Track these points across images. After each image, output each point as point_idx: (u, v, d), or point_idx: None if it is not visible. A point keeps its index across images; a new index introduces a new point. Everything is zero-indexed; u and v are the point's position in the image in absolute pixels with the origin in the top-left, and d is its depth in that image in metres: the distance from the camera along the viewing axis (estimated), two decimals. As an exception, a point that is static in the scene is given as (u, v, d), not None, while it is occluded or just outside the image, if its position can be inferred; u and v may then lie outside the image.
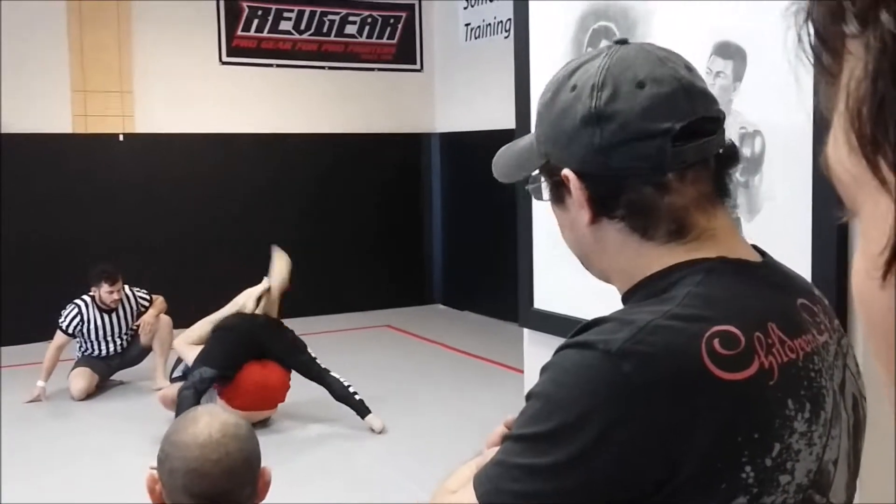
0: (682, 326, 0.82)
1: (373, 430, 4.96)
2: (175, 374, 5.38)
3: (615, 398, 0.80)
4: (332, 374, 5.07)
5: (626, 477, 0.81)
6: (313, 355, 5.16)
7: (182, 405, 4.64)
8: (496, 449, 0.93)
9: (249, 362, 5.00)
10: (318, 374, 5.10)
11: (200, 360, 4.99)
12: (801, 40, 0.42)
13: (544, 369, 0.87)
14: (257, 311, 5.21)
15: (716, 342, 0.81)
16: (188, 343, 5.28)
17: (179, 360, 5.41)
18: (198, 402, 4.74)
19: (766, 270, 0.93)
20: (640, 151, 0.87)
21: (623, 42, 0.93)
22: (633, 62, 0.89)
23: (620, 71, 0.88)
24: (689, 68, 0.92)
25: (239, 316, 5.19)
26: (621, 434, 0.80)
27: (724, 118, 0.92)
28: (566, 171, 0.91)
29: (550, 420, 0.82)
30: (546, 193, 0.97)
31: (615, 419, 0.80)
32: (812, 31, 0.41)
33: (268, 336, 5.12)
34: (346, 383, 5.04)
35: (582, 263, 1.01)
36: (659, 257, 0.90)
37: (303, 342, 5.24)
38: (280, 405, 5.19)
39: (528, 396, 0.87)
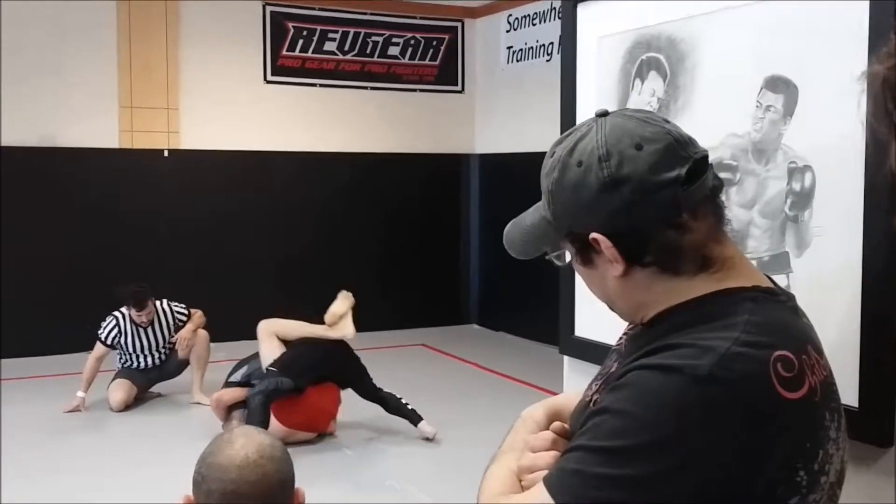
0: (754, 353, 0.91)
1: (427, 439, 5.11)
2: (232, 379, 5.32)
3: (704, 421, 0.87)
4: (386, 390, 5.26)
5: (707, 494, 0.87)
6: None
7: (254, 413, 4.68)
8: (545, 454, 1.02)
9: (312, 384, 5.07)
10: (378, 394, 5.25)
11: (281, 368, 5.00)
12: (878, 101, 0.41)
13: (618, 388, 0.94)
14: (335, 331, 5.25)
15: (779, 366, 0.91)
16: (271, 332, 5.26)
17: (239, 366, 5.38)
18: (268, 411, 4.79)
19: (784, 296, 1.03)
20: (657, 202, 0.98)
21: (604, 114, 1.04)
22: (623, 129, 1.00)
23: (617, 139, 0.99)
24: (667, 121, 1.04)
25: (320, 338, 5.25)
26: (703, 456, 0.87)
27: (708, 155, 1.02)
28: (595, 235, 1.00)
29: (637, 437, 0.89)
30: (569, 257, 1.09)
31: (699, 442, 0.87)
32: (889, 93, 0.41)
33: (341, 360, 5.21)
34: (398, 396, 5.22)
35: (609, 307, 1.11)
36: (689, 288, 1.00)
37: (363, 364, 5.35)
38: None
39: (602, 411, 0.94)
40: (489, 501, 1.04)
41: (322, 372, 5.09)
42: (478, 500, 1.06)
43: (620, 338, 1.17)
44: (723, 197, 1.03)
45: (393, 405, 5.19)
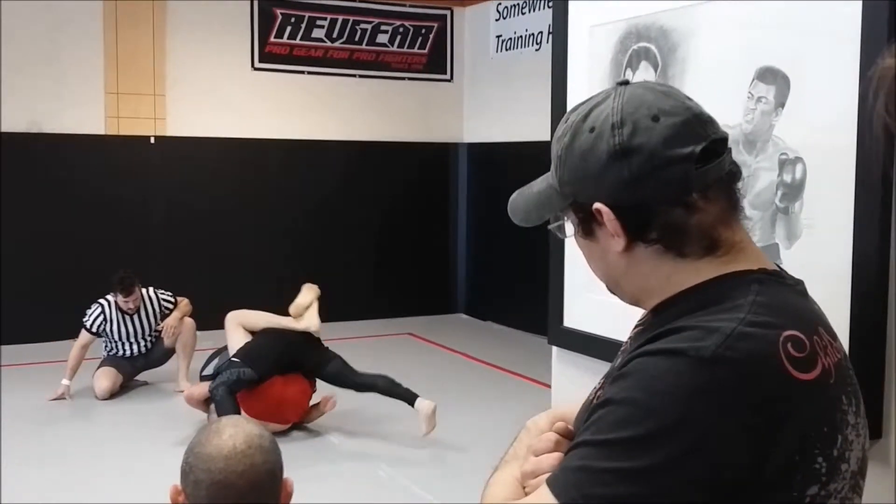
0: (762, 333, 0.88)
1: (426, 412, 4.90)
2: (205, 373, 5.36)
3: (709, 404, 0.84)
4: (371, 372, 5.14)
5: (716, 478, 0.84)
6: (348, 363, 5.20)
7: (222, 405, 4.67)
8: (548, 456, 0.97)
9: (276, 374, 5.03)
10: (357, 379, 5.13)
11: (242, 357, 5.00)
12: (885, 101, 0.40)
13: (622, 377, 0.90)
14: (303, 323, 5.20)
15: (789, 345, 0.88)
16: (238, 323, 5.27)
17: (210, 359, 5.39)
18: (235, 400, 4.77)
19: (792, 281, 1.01)
20: (666, 178, 0.94)
21: (624, 83, 1.00)
22: (642, 99, 0.97)
23: (634, 108, 0.96)
24: (689, 98, 0.99)
25: (285, 329, 5.20)
26: (714, 439, 0.84)
27: (727, 138, 0.99)
28: (598, 206, 0.97)
29: (643, 425, 0.85)
30: (570, 230, 1.05)
31: (708, 425, 0.84)
32: None
33: (306, 350, 5.14)
34: (389, 377, 5.08)
35: (610, 289, 1.06)
36: (696, 272, 0.96)
37: (332, 351, 5.26)
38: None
39: (606, 403, 0.90)
40: None
41: (284, 362, 5.05)
42: None
43: (627, 339, 1.12)
44: (740, 185, 1.00)
45: (384, 386, 5.06)
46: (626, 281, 1.02)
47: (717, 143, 0.96)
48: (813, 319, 0.95)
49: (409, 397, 4.97)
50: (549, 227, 1.08)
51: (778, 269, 1.01)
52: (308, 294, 5.28)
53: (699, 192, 0.95)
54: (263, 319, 5.27)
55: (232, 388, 4.82)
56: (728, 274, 0.95)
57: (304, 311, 5.21)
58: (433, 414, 4.89)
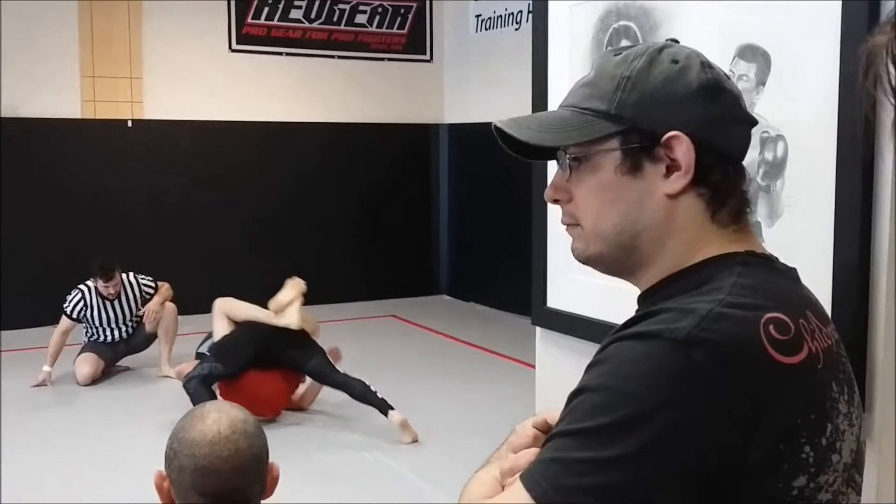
0: (741, 314, 0.84)
1: (400, 427, 4.74)
2: (200, 350, 5.30)
3: (687, 386, 0.80)
4: (350, 375, 5.00)
5: (697, 464, 0.80)
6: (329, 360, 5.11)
7: (196, 397, 4.66)
8: (526, 452, 0.92)
9: (254, 368, 5.00)
10: (334, 379, 5.03)
11: (215, 352, 5.01)
12: (879, 73, 0.40)
13: (596, 363, 0.86)
14: (286, 318, 5.14)
15: (771, 328, 0.84)
16: (223, 312, 5.22)
17: (207, 338, 5.35)
18: (210, 392, 4.76)
19: (782, 266, 0.97)
20: (740, 132, 0.94)
21: (676, 41, 0.97)
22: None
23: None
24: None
25: (264, 324, 5.13)
26: (693, 423, 0.80)
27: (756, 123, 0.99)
28: (675, 133, 0.89)
29: (615, 412, 0.81)
30: (614, 166, 0.92)
31: (687, 409, 0.80)
32: (892, 65, 0.40)
33: (284, 346, 5.06)
34: (366, 383, 4.92)
35: (618, 247, 0.95)
36: (708, 243, 0.93)
37: (316, 349, 5.15)
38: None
39: (580, 391, 0.86)
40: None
41: (261, 357, 4.99)
42: None
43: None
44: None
45: (359, 391, 4.92)
46: (649, 234, 0.93)
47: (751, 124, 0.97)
48: (801, 302, 0.91)
49: (383, 408, 4.83)
50: (567, 155, 0.95)
51: (769, 255, 0.97)
52: (290, 291, 5.19)
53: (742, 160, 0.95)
54: (246, 312, 5.21)
55: (203, 382, 4.81)
56: (715, 257, 0.92)
57: (285, 307, 5.11)
58: (407, 423, 4.77)
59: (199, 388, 4.74)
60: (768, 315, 0.84)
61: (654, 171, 0.91)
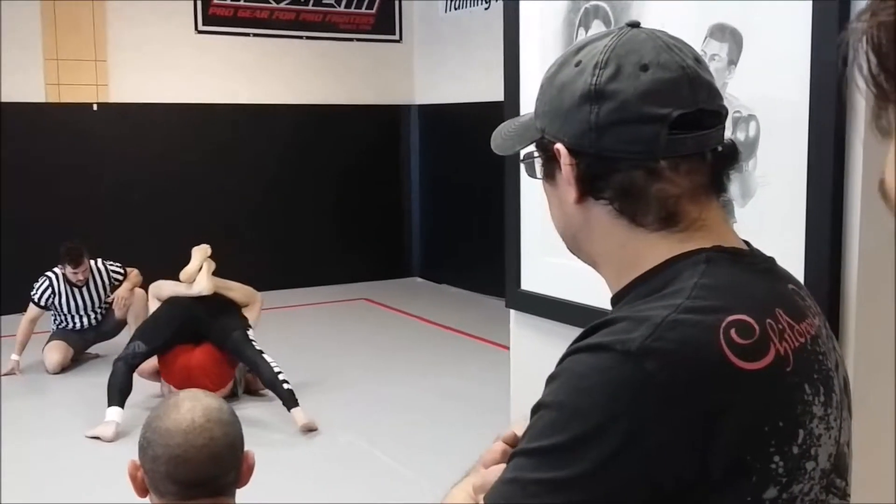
0: (698, 319, 0.80)
1: (301, 429, 4.57)
2: None
3: (640, 400, 0.77)
4: (266, 357, 4.83)
5: (656, 479, 0.77)
6: (251, 336, 4.98)
7: (115, 376, 4.71)
8: (496, 468, 0.89)
9: (183, 343, 5.00)
10: (248, 356, 4.90)
11: (138, 333, 5.05)
12: (859, 62, 0.39)
13: (553, 378, 0.84)
14: (201, 284, 5.09)
15: (732, 332, 0.80)
16: (153, 295, 5.32)
17: None
18: (131, 375, 4.78)
19: (756, 258, 0.92)
20: (634, 134, 0.86)
21: (635, 25, 0.92)
22: (640, 45, 0.88)
23: (626, 52, 0.88)
24: (699, 60, 0.90)
25: (185, 297, 5.11)
26: (649, 436, 0.76)
27: (726, 114, 0.91)
28: (558, 146, 0.90)
29: (569, 429, 0.78)
30: (539, 170, 0.96)
31: (641, 421, 0.77)
32: (872, 53, 0.39)
33: (205, 317, 5.04)
34: (276, 370, 4.75)
35: (568, 246, 0.99)
36: (650, 246, 0.89)
37: (238, 322, 5.06)
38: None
39: (537, 408, 0.83)
40: None
41: (186, 331, 4.99)
42: None
43: None
44: (732, 172, 0.92)
45: (267, 377, 4.78)
46: (582, 237, 0.94)
47: (704, 115, 0.87)
48: (769, 301, 0.86)
49: (288, 401, 4.65)
50: (522, 161, 1.01)
51: (740, 247, 0.92)
52: (196, 257, 5.19)
53: (668, 160, 0.86)
54: (170, 289, 5.22)
55: (129, 363, 4.80)
56: (681, 255, 0.87)
57: (194, 275, 5.11)
58: (311, 426, 4.62)
59: (118, 369, 4.74)
60: (730, 318, 0.81)
61: (561, 178, 0.92)
